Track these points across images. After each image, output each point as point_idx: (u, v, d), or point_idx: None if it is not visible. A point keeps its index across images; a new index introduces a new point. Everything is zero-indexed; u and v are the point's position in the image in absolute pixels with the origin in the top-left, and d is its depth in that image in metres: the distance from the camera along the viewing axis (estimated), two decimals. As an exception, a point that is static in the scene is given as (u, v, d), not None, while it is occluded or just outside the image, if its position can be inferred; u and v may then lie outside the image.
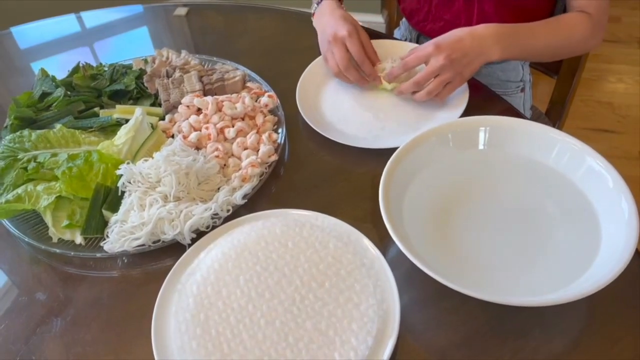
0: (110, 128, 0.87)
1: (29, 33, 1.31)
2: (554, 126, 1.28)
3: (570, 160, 0.70)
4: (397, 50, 0.95)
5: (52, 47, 1.27)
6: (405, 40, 1.21)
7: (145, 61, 1.01)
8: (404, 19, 1.25)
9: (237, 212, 0.75)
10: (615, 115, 2.09)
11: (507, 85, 1.12)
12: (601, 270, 0.58)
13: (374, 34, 1.02)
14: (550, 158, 0.72)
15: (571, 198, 0.69)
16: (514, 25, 0.86)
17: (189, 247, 0.71)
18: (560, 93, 1.24)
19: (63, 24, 1.32)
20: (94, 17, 1.32)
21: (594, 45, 0.95)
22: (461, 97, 0.87)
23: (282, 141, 0.85)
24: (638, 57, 2.33)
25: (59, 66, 1.04)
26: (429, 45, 0.83)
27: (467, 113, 0.84)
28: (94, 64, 1.03)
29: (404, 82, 0.90)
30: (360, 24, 0.95)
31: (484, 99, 0.92)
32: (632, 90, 2.19)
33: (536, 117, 1.29)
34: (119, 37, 1.27)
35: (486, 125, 0.75)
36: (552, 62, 1.22)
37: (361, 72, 0.92)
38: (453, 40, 0.82)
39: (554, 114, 1.28)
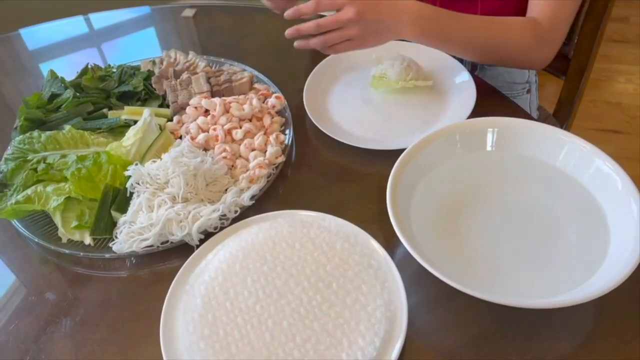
0: (119, 129, 0.87)
1: (37, 34, 1.32)
2: (562, 126, 1.27)
3: (578, 161, 0.70)
4: (399, 50, 0.95)
5: (60, 48, 1.28)
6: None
7: (153, 62, 1.01)
8: None
9: (245, 213, 0.76)
10: (625, 116, 2.08)
11: (513, 87, 1.11)
12: (610, 271, 0.58)
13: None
14: (558, 159, 0.72)
15: (580, 199, 0.68)
16: (441, 11, 0.82)
17: (197, 248, 0.71)
18: (568, 94, 1.24)
19: (71, 26, 1.33)
20: (101, 19, 1.32)
21: (539, 58, 0.88)
22: (469, 98, 0.87)
23: (290, 142, 0.85)
24: (647, 57, 2.32)
25: (68, 67, 1.04)
26: None
27: (474, 114, 0.84)
28: (102, 65, 1.03)
29: (413, 81, 0.90)
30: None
31: (492, 101, 0.92)
32: (641, 91, 2.18)
33: (543, 118, 1.28)
34: (127, 38, 1.28)
35: (494, 127, 0.75)
36: (560, 63, 1.21)
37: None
38: (372, 1, 0.79)
39: (561, 115, 1.28)
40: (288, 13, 0.84)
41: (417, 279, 0.65)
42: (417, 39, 0.83)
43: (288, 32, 0.85)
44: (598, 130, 2.03)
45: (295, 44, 0.87)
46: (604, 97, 2.16)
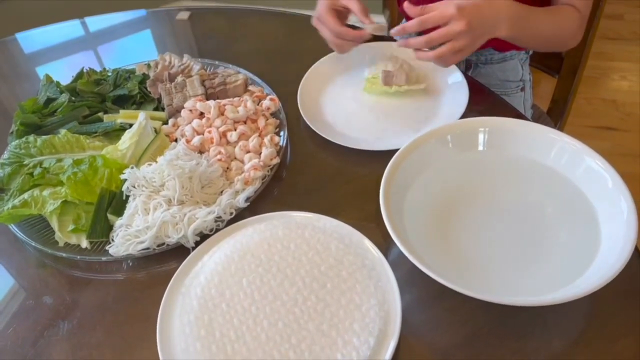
0: (114, 133, 0.88)
1: (34, 38, 1.33)
2: (555, 125, 1.28)
3: (569, 160, 0.71)
4: (397, 52, 0.96)
5: (57, 52, 1.28)
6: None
7: (148, 66, 1.02)
8: (404, 20, 1.25)
9: (240, 214, 0.76)
10: (619, 112, 2.09)
11: (507, 85, 1.12)
12: (601, 269, 0.59)
13: (374, 37, 1.02)
14: (549, 158, 0.72)
15: (571, 198, 0.69)
16: (525, 6, 0.83)
17: (192, 250, 0.71)
18: (561, 92, 1.24)
19: (67, 29, 1.33)
20: (97, 22, 1.33)
21: (573, 44, 0.93)
22: (461, 99, 0.88)
23: (284, 144, 0.85)
24: (641, 54, 2.33)
25: (65, 71, 1.05)
26: (450, 6, 0.76)
27: (467, 114, 0.84)
28: (99, 68, 1.04)
29: (405, 86, 0.90)
30: (362, 24, 0.94)
31: (484, 100, 0.93)
32: (635, 88, 2.18)
33: (537, 116, 1.29)
34: (123, 41, 1.28)
35: (485, 127, 0.76)
36: (553, 61, 1.22)
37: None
38: (474, 6, 0.77)
39: (555, 113, 1.28)
40: (394, 32, 0.84)
41: (411, 278, 0.66)
42: (509, 35, 0.83)
43: (393, 31, 0.84)
44: (593, 128, 2.04)
45: (397, 43, 0.87)
46: (598, 94, 2.17)
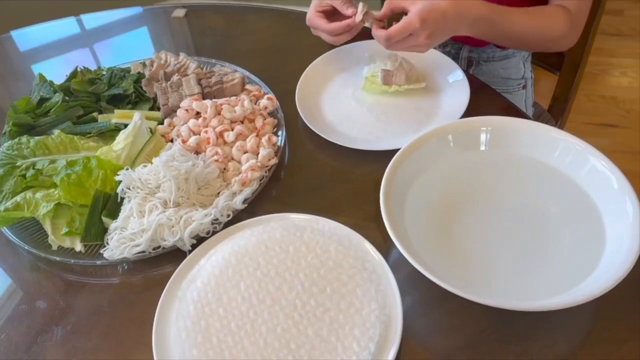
0: (109, 133, 0.86)
1: (29, 36, 1.31)
2: (556, 122, 1.27)
3: (573, 160, 0.69)
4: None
5: (52, 50, 1.27)
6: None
7: (144, 65, 1.00)
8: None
9: (238, 216, 0.75)
10: (619, 109, 2.08)
11: (509, 83, 1.11)
12: (606, 272, 0.58)
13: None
14: (553, 158, 0.71)
15: (575, 198, 0.68)
16: (494, 10, 0.83)
17: (189, 253, 0.70)
18: (562, 89, 1.23)
19: (63, 27, 1.32)
20: (93, 20, 1.32)
21: (566, 45, 0.93)
22: (462, 97, 0.86)
23: (282, 144, 0.84)
24: (641, 50, 2.32)
25: (60, 69, 1.04)
26: (414, 20, 0.78)
27: (468, 113, 0.83)
28: (95, 66, 1.03)
29: (405, 85, 0.89)
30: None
31: (485, 98, 0.91)
32: (636, 84, 2.17)
33: (538, 114, 1.28)
34: (119, 39, 1.27)
35: (487, 126, 0.74)
36: (554, 58, 1.21)
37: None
38: (438, 15, 0.79)
39: (556, 110, 1.27)
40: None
41: (412, 280, 0.65)
42: (473, 36, 0.84)
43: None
44: (593, 125, 2.03)
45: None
46: (598, 90, 2.16)
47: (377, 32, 0.83)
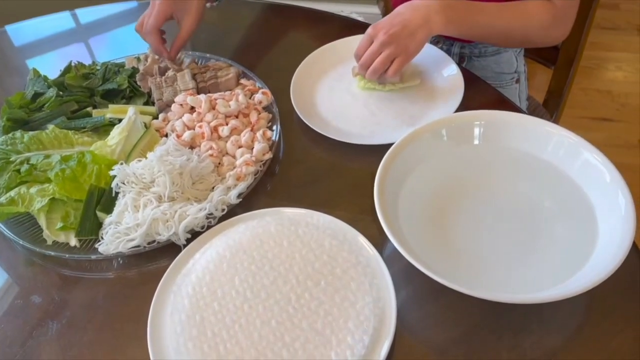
0: (103, 128, 0.86)
1: (23, 31, 1.31)
2: (551, 116, 1.27)
3: (566, 154, 0.70)
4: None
5: (47, 44, 1.26)
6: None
7: (138, 59, 1.00)
8: None
9: (232, 211, 0.75)
10: (615, 103, 2.08)
11: (502, 77, 1.11)
12: (598, 264, 0.58)
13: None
14: (546, 152, 0.71)
15: (568, 192, 0.68)
16: (466, 3, 0.85)
17: (184, 247, 0.70)
18: (557, 83, 1.23)
19: (58, 21, 1.31)
20: (88, 14, 1.31)
21: (556, 36, 0.92)
22: (456, 91, 0.86)
23: (277, 138, 0.84)
24: (637, 44, 2.31)
25: (55, 63, 1.03)
26: (366, 32, 0.82)
27: (463, 107, 0.83)
28: (90, 61, 1.02)
29: (400, 84, 0.89)
30: (356, 15, 0.95)
31: (479, 92, 0.91)
32: (631, 79, 2.17)
33: (533, 107, 1.28)
34: (115, 33, 1.27)
35: (481, 120, 0.75)
36: (549, 52, 1.21)
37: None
38: (391, 16, 0.81)
39: (551, 104, 1.27)
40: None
41: (406, 273, 0.65)
42: (448, 30, 0.84)
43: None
44: (588, 119, 2.03)
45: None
46: (594, 84, 2.16)
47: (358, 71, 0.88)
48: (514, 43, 1.03)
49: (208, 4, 1.02)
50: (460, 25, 0.85)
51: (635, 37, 2.36)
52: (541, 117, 1.26)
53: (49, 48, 1.25)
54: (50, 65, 1.02)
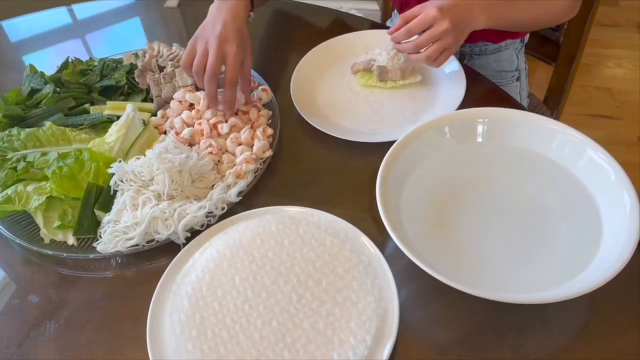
0: (101, 125, 0.85)
1: (20, 26, 1.29)
2: (552, 114, 1.26)
3: (570, 152, 0.69)
4: (388, 39, 0.93)
5: (43, 40, 1.25)
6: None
7: (136, 55, 0.98)
8: (395, 10, 1.23)
9: (232, 209, 0.74)
10: (614, 100, 2.07)
11: (503, 76, 1.10)
12: (603, 264, 0.58)
13: (368, 23, 1.00)
14: (550, 150, 0.71)
15: (572, 191, 0.67)
16: None
17: (183, 246, 0.70)
18: (558, 80, 1.23)
19: (55, 17, 1.30)
20: (85, 10, 1.30)
21: (571, 17, 0.94)
22: (459, 89, 0.86)
23: (277, 136, 0.83)
24: (637, 41, 2.31)
25: (52, 59, 1.02)
26: (431, 9, 0.78)
27: (464, 105, 0.82)
28: (87, 57, 1.01)
29: (401, 81, 0.88)
30: (355, 11, 0.93)
31: (482, 90, 0.91)
32: (630, 75, 2.17)
33: (534, 105, 1.27)
34: (112, 29, 1.26)
35: (484, 117, 0.74)
36: (549, 49, 1.20)
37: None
38: (452, 4, 0.79)
39: (552, 102, 1.27)
40: (390, 34, 0.85)
41: (409, 272, 0.64)
42: (488, 25, 0.84)
43: (390, 34, 0.85)
44: (588, 116, 2.03)
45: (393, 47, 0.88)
46: (593, 82, 2.15)
47: (404, 46, 0.84)
48: (536, 28, 1.13)
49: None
50: (498, 21, 0.86)
51: (634, 34, 2.35)
52: (542, 114, 1.26)
53: (46, 44, 1.24)
54: (47, 61, 1.01)
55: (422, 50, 0.82)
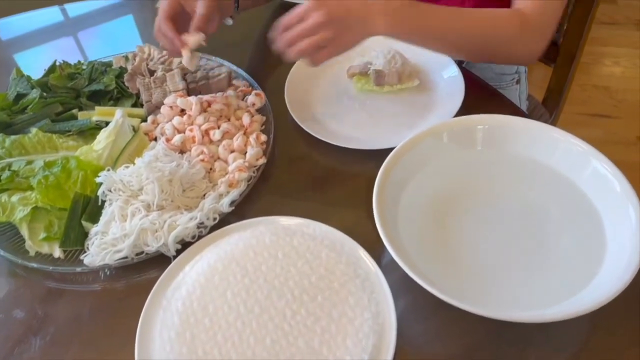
0: (90, 131, 0.83)
1: (11, 25, 1.28)
2: (551, 115, 1.25)
3: (574, 162, 0.67)
4: (386, 42, 0.91)
5: (35, 39, 1.24)
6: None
7: (126, 58, 0.96)
8: None
9: (225, 220, 0.72)
10: (612, 99, 2.06)
11: (502, 79, 1.08)
12: (607, 280, 0.56)
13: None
14: (552, 159, 0.69)
15: (575, 202, 0.66)
16: (414, 2, 0.75)
17: (173, 259, 0.67)
18: (557, 81, 1.21)
19: (47, 16, 1.28)
20: (78, 9, 1.29)
21: (527, 51, 0.81)
22: (457, 94, 0.83)
23: (271, 142, 0.81)
24: (635, 39, 2.29)
25: (43, 59, 1.00)
26: (308, 4, 0.71)
27: (464, 110, 0.80)
28: (80, 56, 0.99)
29: (398, 85, 0.86)
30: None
31: (481, 94, 0.89)
32: (629, 74, 2.15)
33: (532, 107, 1.25)
34: (104, 28, 1.25)
35: (484, 124, 0.72)
36: (549, 49, 1.17)
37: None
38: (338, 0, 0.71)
39: (551, 103, 1.25)
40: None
41: (406, 284, 0.61)
42: (391, 32, 0.75)
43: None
44: (586, 115, 2.01)
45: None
46: (591, 80, 2.14)
47: (278, 44, 0.76)
48: (476, 56, 0.88)
49: (230, 21, 0.91)
50: (405, 30, 0.76)
51: (633, 32, 2.33)
52: (541, 116, 1.24)
53: (37, 44, 1.23)
54: (39, 61, 0.99)
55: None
